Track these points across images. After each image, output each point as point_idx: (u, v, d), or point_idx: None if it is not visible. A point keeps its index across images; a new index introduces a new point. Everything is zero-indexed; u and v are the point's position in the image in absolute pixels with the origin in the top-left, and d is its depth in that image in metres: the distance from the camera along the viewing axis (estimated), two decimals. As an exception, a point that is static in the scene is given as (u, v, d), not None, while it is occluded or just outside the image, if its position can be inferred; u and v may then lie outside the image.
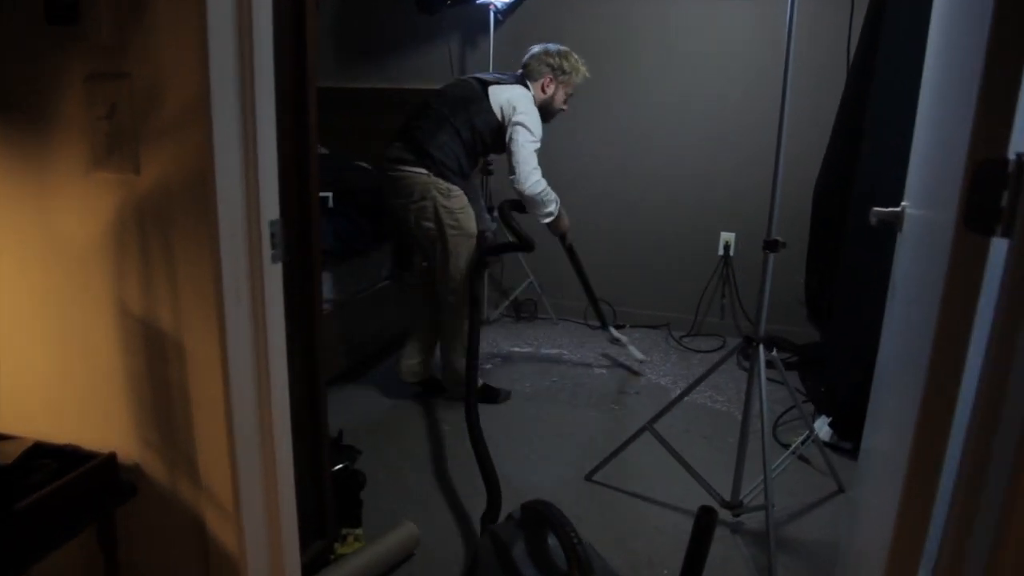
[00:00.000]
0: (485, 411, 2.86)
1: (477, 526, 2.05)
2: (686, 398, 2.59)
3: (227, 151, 1.07)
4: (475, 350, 2.54)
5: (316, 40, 1.47)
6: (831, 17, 3.34)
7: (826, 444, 2.61)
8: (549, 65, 2.75)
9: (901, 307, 1.35)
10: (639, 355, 3.02)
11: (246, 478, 1.15)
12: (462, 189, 2.71)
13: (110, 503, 1.21)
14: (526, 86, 2.76)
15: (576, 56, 2.80)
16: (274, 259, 1.12)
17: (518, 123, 2.62)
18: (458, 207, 2.69)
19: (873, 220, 1.44)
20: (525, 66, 2.79)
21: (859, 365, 2.57)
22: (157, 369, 1.19)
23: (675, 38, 3.65)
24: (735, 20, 3.56)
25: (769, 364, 2.06)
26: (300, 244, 1.45)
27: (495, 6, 3.65)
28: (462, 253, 2.73)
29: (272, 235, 1.10)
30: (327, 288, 2.78)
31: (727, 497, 2.11)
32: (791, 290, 3.74)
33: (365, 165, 3.86)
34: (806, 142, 3.54)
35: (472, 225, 2.75)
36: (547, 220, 2.77)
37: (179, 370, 1.16)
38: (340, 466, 1.84)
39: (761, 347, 1.98)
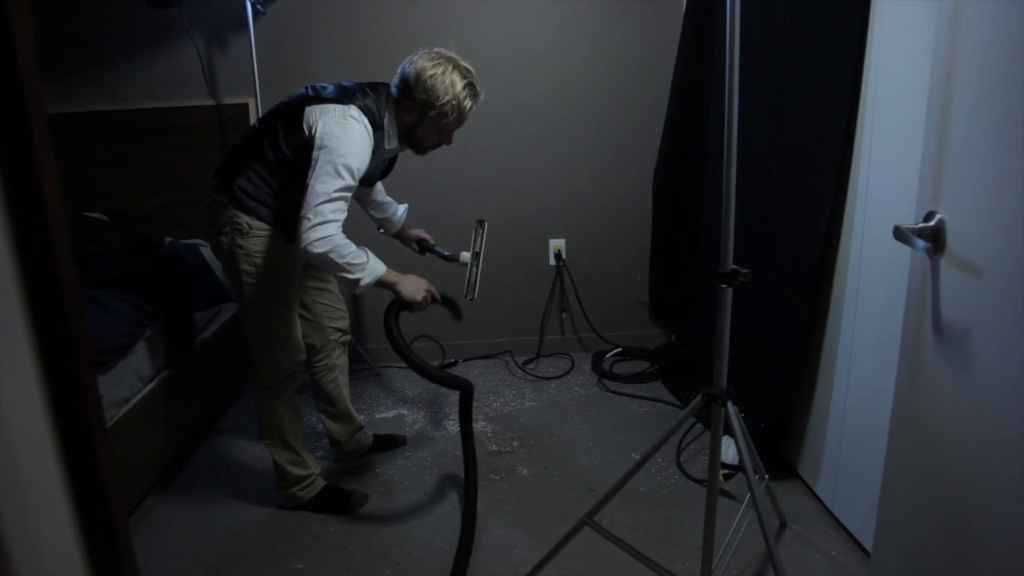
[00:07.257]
0: (335, 525, 2.16)
1: None
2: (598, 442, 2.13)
3: None
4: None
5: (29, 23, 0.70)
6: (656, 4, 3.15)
7: (730, 467, 2.37)
8: (409, 86, 1.95)
9: (981, 364, 1.00)
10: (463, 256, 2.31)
11: None
12: (280, 228, 2.02)
13: None
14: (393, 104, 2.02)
15: (460, 73, 1.94)
16: None
17: (321, 151, 1.84)
18: (257, 249, 2.00)
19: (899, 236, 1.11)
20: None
21: (763, 382, 2.34)
22: None
23: (476, 37, 3.15)
24: (537, 20, 3.18)
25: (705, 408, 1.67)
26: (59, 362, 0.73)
27: (251, -8, 2.86)
28: (265, 313, 2.06)
29: None
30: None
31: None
32: (631, 291, 3.51)
33: (100, 216, 2.87)
34: (640, 131, 3.29)
35: (281, 275, 2.06)
36: (356, 289, 1.92)
37: None
38: None
39: (731, 405, 1.59)
